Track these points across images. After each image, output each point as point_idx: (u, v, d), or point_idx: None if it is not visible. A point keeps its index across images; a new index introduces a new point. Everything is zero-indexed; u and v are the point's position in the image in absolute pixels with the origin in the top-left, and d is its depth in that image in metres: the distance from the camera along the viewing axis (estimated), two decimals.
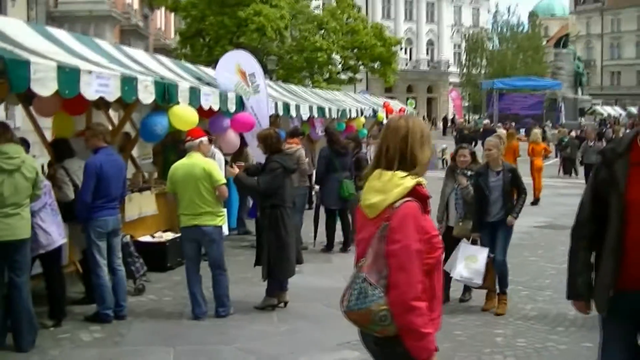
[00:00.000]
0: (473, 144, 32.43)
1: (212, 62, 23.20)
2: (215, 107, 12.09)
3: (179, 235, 10.52)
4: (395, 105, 38.19)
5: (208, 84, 13.10)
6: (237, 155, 14.05)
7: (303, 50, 44.41)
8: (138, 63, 11.64)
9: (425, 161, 3.94)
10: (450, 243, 9.40)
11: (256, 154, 12.47)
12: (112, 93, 8.98)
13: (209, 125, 12.79)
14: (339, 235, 14.06)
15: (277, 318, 9.45)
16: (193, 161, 9.19)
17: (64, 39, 10.12)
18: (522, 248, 13.61)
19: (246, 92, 13.72)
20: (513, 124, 48.47)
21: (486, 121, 49.66)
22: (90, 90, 8.42)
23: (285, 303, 9.86)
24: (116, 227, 9.23)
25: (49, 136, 11.27)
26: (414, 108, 55.62)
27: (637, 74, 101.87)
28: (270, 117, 15.06)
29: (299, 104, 18.74)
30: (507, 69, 76.23)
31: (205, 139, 9.61)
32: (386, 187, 3.86)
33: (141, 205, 12.00)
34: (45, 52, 8.51)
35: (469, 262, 9.23)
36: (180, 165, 9.26)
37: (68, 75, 7.98)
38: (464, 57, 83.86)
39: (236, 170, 9.57)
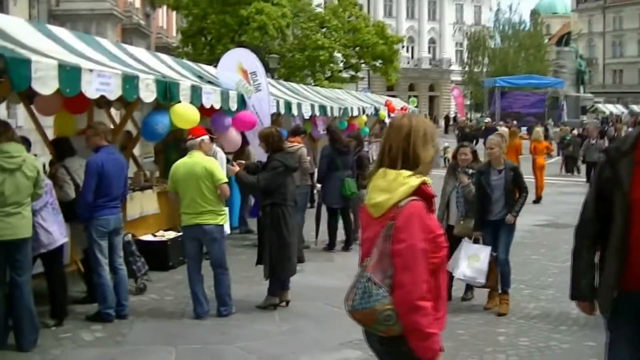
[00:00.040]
0: (474, 142, 32.45)
1: (214, 61, 23.19)
2: (217, 106, 12.08)
3: (180, 234, 10.51)
4: (397, 103, 38.16)
5: (209, 82, 13.09)
6: (239, 154, 14.03)
7: (305, 48, 44.43)
8: (139, 61, 11.62)
9: (429, 160, 3.91)
10: (451, 242, 9.35)
11: (258, 153, 12.46)
12: (113, 91, 8.96)
13: (210, 124, 12.78)
14: (340, 234, 14.03)
15: (279, 317, 9.43)
16: (194, 160, 9.17)
17: (65, 38, 10.11)
18: (524, 247, 13.58)
19: (248, 90, 13.70)
20: (515, 122, 48.39)
21: (487, 119, 49.64)
22: (91, 88, 8.40)
23: (287, 302, 9.84)
24: (118, 226, 9.22)
25: (50, 135, 11.25)
26: (416, 106, 55.53)
27: (639, 72, 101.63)
28: (272, 115, 15.05)
29: (301, 102, 18.72)
30: (509, 67, 76.09)
31: (206, 137, 9.58)
32: (391, 186, 3.83)
33: (143, 204, 11.98)
34: (46, 51, 8.49)
35: (472, 261, 9.20)
36: (181, 164, 9.24)
37: (69, 74, 7.96)
38: (465, 55, 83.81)
39: (236, 168, 9.56)
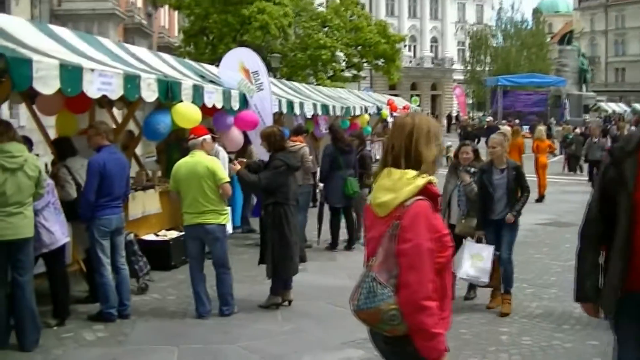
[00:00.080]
0: (476, 141, 32.41)
1: (216, 60, 23.23)
2: (219, 105, 12.07)
3: (183, 233, 10.49)
4: (400, 102, 38.18)
5: (211, 81, 13.08)
6: (241, 153, 14.01)
7: (307, 47, 44.38)
8: (141, 61, 11.61)
9: (431, 159, 3.88)
10: (453, 241, 9.33)
11: (260, 152, 12.45)
12: (115, 91, 8.95)
13: (212, 123, 12.77)
14: (343, 233, 14.02)
15: (281, 317, 9.42)
16: (196, 159, 9.16)
17: (67, 37, 10.10)
18: (527, 245, 13.55)
19: (250, 89, 13.69)
20: (517, 121, 48.35)
21: (489, 118, 49.56)
22: (92, 88, 8.39)
23: (290, 302, 9.84)
24: (120, 225, 9.22)
25: (52, 135, 11.25)
26: (418, 105, 55.51)
27: None
28: (274, 114, 15.04)
29: (303, 101, 18.73)
30: (511, 66, 75.94)
31: (208, 136, 9.58)
32: (396, 186, 3.82)
33: (145, 203, 11.98)
34: (48, 50, 8.48)
35: (475, 260, 9.17)
36: (183, 164, 9.23)
37: (70, 74, 7.95)
38: (467, 54, 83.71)
39: (238, 167, 9.55)
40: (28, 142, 9.16)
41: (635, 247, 4.37)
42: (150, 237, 11.90)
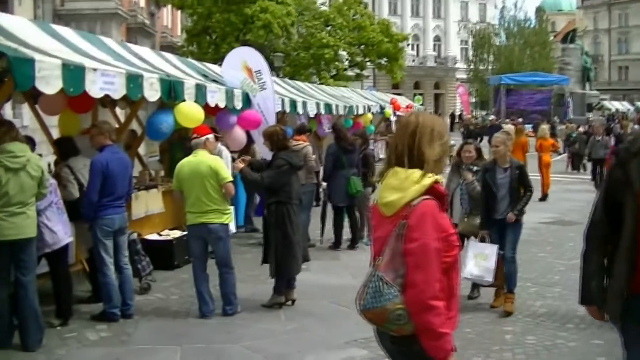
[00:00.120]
0: (479, 139, 32.40)
1: (219, 60, 23.19)
2: (222, 104, 12.06)
3: (186, 233, 10.48)
4: (403, 101, 38.17)
5: (214, 81, 13.07)
6: (244, 153, 13.98)
7: (310, 47, 44.39)
8: (144, 60, 11.61)
9: (434, 158, 3.84)
10: None
11: (263, 151, 12.44)
12: (118, 90, 8.95)
13: (215, 122, 12.77)
14: (346, 233, 14.01)
15: (285, 316, 9.41)
16: (199, 159, 9.15)
17: (69, 37, 10.10)
18: (531, 244, 13.52)
19: (252, 89, 13.68)
20: (520, 119, 48.34)
21: (492, 117, 49.58)
22: (95, 87, 8.39)
23: (293, 301, 9.82)
24: (122, 225, 9.21)
25: (55, 134, 11.25)
26: (421, 104, 55.46)
27: None
28: (277, 114, 15.03)
29: (306, 100, 18.73)
30: (514, 64, 75.94)
31: (211, 136, 9.58)
32: (403, 185, 3.80)
33: (148, 203, 11.97)
34: (50, 50, 8.48)
35: (479, 259, 9.14)
36: (186, 163, 9.22)
37: (73, 73, 7.95)
38: (471, 52, 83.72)
39: (241, 165, 9.53)
40: (31, 142, 9.18)
41: None
42: (153, 236, 11.89)
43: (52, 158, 10.91)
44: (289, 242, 9.51)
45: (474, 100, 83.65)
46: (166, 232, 12.28)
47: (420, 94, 75.49)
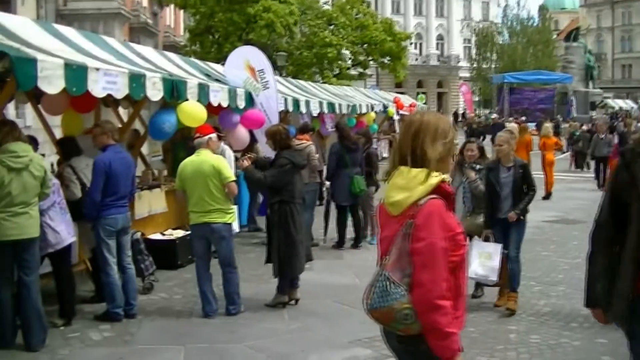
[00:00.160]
0: (482, 138, 32.35)
1: (222, 59, 23.19)
2: (225, 104, 12.06)
3: (189, 232, 10.47)
4: (406, 100, 38.15)
5: (217, 80, 13.06)
6: (247, 152, 13.98)
7: (312, 46, 44.44)
8: (146, 60, 11.61)
9: (436, 158, 3.81)
10: None
11: (266, 150, 12.43)
12: (120, 90, 8.94)
13: (218, 121, 12.76)
14: (349, 232, 13.99)
15: (288, 316, 9.39)
16: (202, 158, 9.14)
17: (72, 37, 10.10)
18: (534, 243, 13.48)
19: (255, 88, 13.67)
20: (523, 118, 48.28)
21: (494, 115, 49.53)
22: (97, 87, 8.38)
23: (296, 300, 9.80)
24: (125, 225, 9.19)
25: (58, 134, 11.25)
26: (425, 103, 55.46)
27: None
28: (280, 113, 15.01)
29: (309, 99, 18.69)
30: (518, 63, 75.94)
31: (214, 135, 9.56)
32: (410, 185, 3.78)
33: (151, 202, 11.96)
34: (53, 50, 8.47)
35: (483, 259, 9.10)
36: (189, 162, 9.21)
37: (75, 73, 7.94)
38: (474, 51, 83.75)
39: (246, 163, 9.51)
40: (33, 142, 9.15)
41: None
42: (157, 236, 11.88)
43: (55, 158, 10.92)
44: (292, 242, 9.50)
45: (477, 98, 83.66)
46: (169, 231, 12.27)
47: (423, 93, 75.37)
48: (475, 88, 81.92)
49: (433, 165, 3.80)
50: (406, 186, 3.79)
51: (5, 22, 8.56)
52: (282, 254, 9.47)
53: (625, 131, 27.50)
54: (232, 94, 12.36)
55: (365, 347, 7.93)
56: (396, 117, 32.56)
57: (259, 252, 11.89)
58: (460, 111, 77.03)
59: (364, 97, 29.30)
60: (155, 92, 9.78)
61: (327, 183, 14.34)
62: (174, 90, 10.28)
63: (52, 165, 10.71)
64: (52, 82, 7.54)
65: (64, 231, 8.42)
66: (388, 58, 49.64)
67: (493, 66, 79.30)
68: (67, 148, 9.74)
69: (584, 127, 36.12)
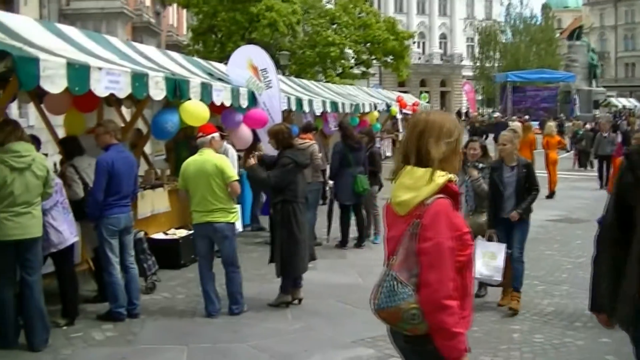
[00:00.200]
0: (484, 137, 32.34)
1: (225, 58, 23.24)
2: (227, 103, 12.05)
3: (192, 232, 10.46)
4: (409, 99, 38.11)
5: (220, 79, 13.05)
6: (250, 151, 13.97)
7: (315, 45, 44.41)
8: (149, 59, 11.60)
9: (439, 157, 3.78)
10: None
11: (269, 150, 12.42)
12: (123, 89, 8.93)
13: (221, 121, 12.75)
14: (353, 231, 13.97)
15: (291, 315, 9.37)
16: (205, 157, 9.12)
17: (74, 36, 10.09)
18: (538, 242, 13.46)
19: (258, 87, 13.66)
20: (527, 116, 48.26)
21: (497, 114, 49.49)
22: (100, 86, 8.37)
23: (300, 300, 9.79)
24: (128, 224, 9.18)
25: (61, 134, 11.24)
26: (428, 102, 55.45)
27: None
28: (283, 112, 15.01)
29: (312, 99, 18.72)
30: (521, 61, 75.90)
31: (217, 134, 9.55)
32: (417, 184, 3.77)
33: (154, 202, 11.95)
34: (55, 49, 8.46)
35: (488, 259, 9.07)
36: (192, 162, 9.19)
37: (78, 72, 7.92)
38: (477, 50, 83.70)
39: (252, 161, 9.50)
40: (36, 141, 9.15)
41: None
42: (160, 235, 11.87)
43: (57, 157, 10.92)
44: (295, 241, 9.48)
45: (480, 97, 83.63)
46: (172, 231, 12.26)
47: (426, 92, 75.48)
48: (478, 87, 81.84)
49: (437, 164, 3.78)
50: (413, 186, 3.78)
51: (7, 22, 8.55)
52: (285, 253, 9.46)
53: (628, 130, 27.57)
54: (235, 93, 12.35)
55: (368, 346, 7.92)
56: (399, 116, 32.57)
57: (262, 251, 11.89)
58: (464, 110, 76.93)
59: (367, 96, 29.31)
60: (158, 91, 9.77)
61: (330, 182, 14.32)
62: (177, 89, 10.27)
63: (54, 164, 10.71)
64: (54, 82, 7.52)
65: (67, 231, 8.41)
66: (391, 57, 49.63)
67: (496, 65, 79.25)
68: (70, 147, 9.72)
69: (587, 126, 36.05)
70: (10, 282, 7.68)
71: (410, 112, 35.21)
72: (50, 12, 27.71)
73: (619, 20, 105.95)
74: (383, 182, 14.33)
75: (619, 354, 7.53)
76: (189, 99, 10.78)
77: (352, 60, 48.88)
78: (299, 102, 17.32)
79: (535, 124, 34.60)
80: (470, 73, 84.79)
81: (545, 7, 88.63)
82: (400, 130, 34.24)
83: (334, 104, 20.67)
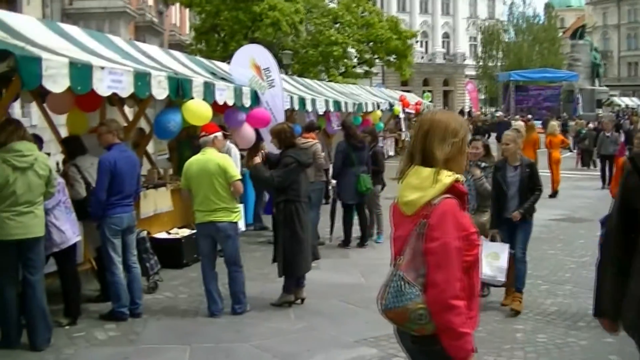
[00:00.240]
0: (487, 136, 32.31)
1: (228, 58, 23.17)
2: (230, 102, 12.05)
3: (194, 231, 10.45)
4: (412, 98, 38.12)
5: (222, 79, 13.04)
6: (253, 150, 13.97)
7: (318, 44, 44.37)
8: (152, 59, 11.60)
9: (443, 157, 3.78)
10: None
11: (271, 149, 12.41)
12: (125, 89, 8.92)
13: (224, 120, 12.74)
14: (356, 230, 13.96)
15: (294, 315, 9.36)
16: (207, 157, 9.11)
17: (77, 35, 10.09)
18: (541, 241, 13.44)
19: (261, 86, 13.66)
20: (530, 116, 48.20)
21: (499, 113, 49.44)
22: (102, 86, 8.36)
23: (302, 300, 9.78)
24: (131, 224, 9.18)
25: (64, 133, 11.24)
26: (430, 101, 55.44)
27: None
28: (286, 111, 14.99)
29: (315, 98, 18.70)
30: (523, 61, 75.86)
31: (219, 134, 9.54)
32: (424, 184, 3.76)
33: (156, 201, 11.95)
34: (57, 49, 8.45)
35: (491, 259, 9.03)
36: (194, 161, 9.18)
37: (80, 71, 7.92)
38: (479, 49, 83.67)
39: (258, 160, 9.49)
40: (38, 141, 9.15)
41: None
42: (162, 235, 11.87)
43: (60, 157, 10.90)
44: (298, 240, 9.46)
45: (483, 97, 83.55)
46: (175, 230, 12.25)
47: (429, 91, 75.36)
48: (481, 86, 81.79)
49: (441, 164, 3.77)
50: (420, 186, 3.78)
51: (10, 21, 8.55)
52: (288, 253, 9.44)
53: (631, 129, 27.49)
54: (238, 92, 12.34)
55: (371, 346, 7.91)
56: (402, 116, 32.57)
57: (265, 250, 11.88)
58: (466, 109, 76.88)
59: (370, 96, 29.30)
60: (160, 90, 9.76)
61: (333, 181, 14.33)
62: (180, 88, 10.27)
63: (57, 164, 10.71)
64: (57, 81, 7.52)
65: (69, 230, 8.41)
66: (394, 56, 49.55)
67: (499, 64, 79.22)
68: (72, 147, 9.73)
69: (590, 125, 36.01)
70: (13, 281, 7.67)
71: (412, 111, 35.25)
72: (52, 12, 27.69)
73: (622, 19, 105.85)
74: (386, 181, 14.33)
75: (622, 354, 7.51)
76: (192, 98, 10.78)
77: (355, 60, 48.87)
78: (302, 101, 17.31)
79: (538, 123, 34.62)
80: (473, 72, 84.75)
81: (548, 6, 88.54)
82: (403, 129, 34.28)
83: (336, 103, 20.65)
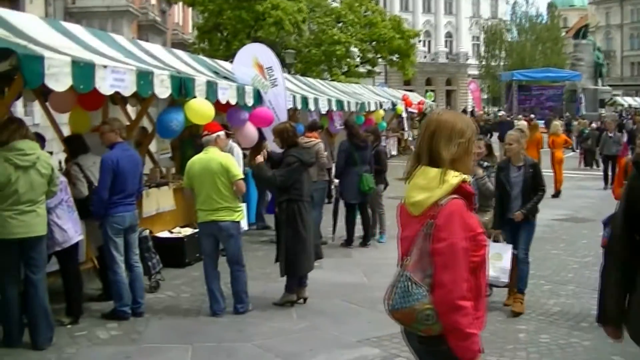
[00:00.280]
0: (489, 135, 32.28)
1: (230, 57, 23.22)
2: (233, 101, 12.04)
3: (197, 230, 10.44)
4: (414, 98, 38.11)
5: (225, 78, 13.03)
6: (256, 149, 13.96)
7: (321, 43, 44.40)
8: (154, 57, 11.59)
9: (450, 158, 3.77)
10: None
11: (274, 148, 12.40)
12: (128, 87, 8.91)
13: (227, 119, 12.73)
14: (358, 230, 13.94)
15: (296, 314, 9.34)
16: (210, 156, 9.09)
17: (79, 34, 10.08)
18: (544, 241, 13.41)
19: (264, 85, 13.65)
20: (533, 115, 48.14)
21: (502, 113, 49.37)
22: (105, 84, 8.35)
23: (305, 299, 9.76)
24: (133, 223, 9.17)
25: (66, 132, 11.23)
26: (433, 101, 55.43)
27: None
28: (289, 110, 14.98)
29: (318, 97, 18.69)
30: (526, 60, 75.89)
31: (222, 133, 9.51)
32: (431, 185, 3.75)
33: (159, 200, 11.94)
34: (60, 47, 8.44)
35: (494, 260, 8.99)
36: (197, 160, 9.17)
37: (82, 70, 7.91)
38: (482, 49, 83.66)
39: (261, 159, 9.48)
40: (41, 140, 9.13)
41: None
42: (165, 234, 11.85)
43: (62, 156, 10.91)
44: (300, 240, 9.45)
45: (485, 96, 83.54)
46: (177, 229, 12.23)
47: (432, 91, 75.35)
48: (483, 86, 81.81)
49: (448, 165, 3.76)
50: (427, 186, 3.77)
51: (12, 20, 8.54)
52: (290, 252, 9.43)
53: (634, 129, 27.42)
54: (241, 91, 12.34)
55: (373, 346, 7.89)
56: (404, 115, 32.54)
57: (267, 250, 11.87)
58: (469, 109, 76.83)
59: (373, 95, 29.31)
60: (163, 89, 9.75)
61: (336, 181, 14.31)
62: (182, 87, 10.25)
63: (59, 163, 10.71)
64: (59, 80, 7.50)
65: (71, 229, 8.40)
66: (397, 56, 49.60)
67: (502, 64, 79.27)
68: (75, 146, 9.72)
69: (593, 125, 35.96)
70: (15, 280, 7.66)
71: (415, 110, 35.23)
72: (55, 10, 27.75)
73: (625, 19, 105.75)
74: (388, 180, 14.31)
75: (625, 355, 7.48)
76: (194, 97, 10.77)
77: (358, 59, 48.90)
78: (305, 100, 17.30)
79: (541, 123, 34.62)
80: (475, 72, 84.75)
81: (551, 6, 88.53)
82: (406, 128, 34.26)
83: (339, 103, 20.65)
